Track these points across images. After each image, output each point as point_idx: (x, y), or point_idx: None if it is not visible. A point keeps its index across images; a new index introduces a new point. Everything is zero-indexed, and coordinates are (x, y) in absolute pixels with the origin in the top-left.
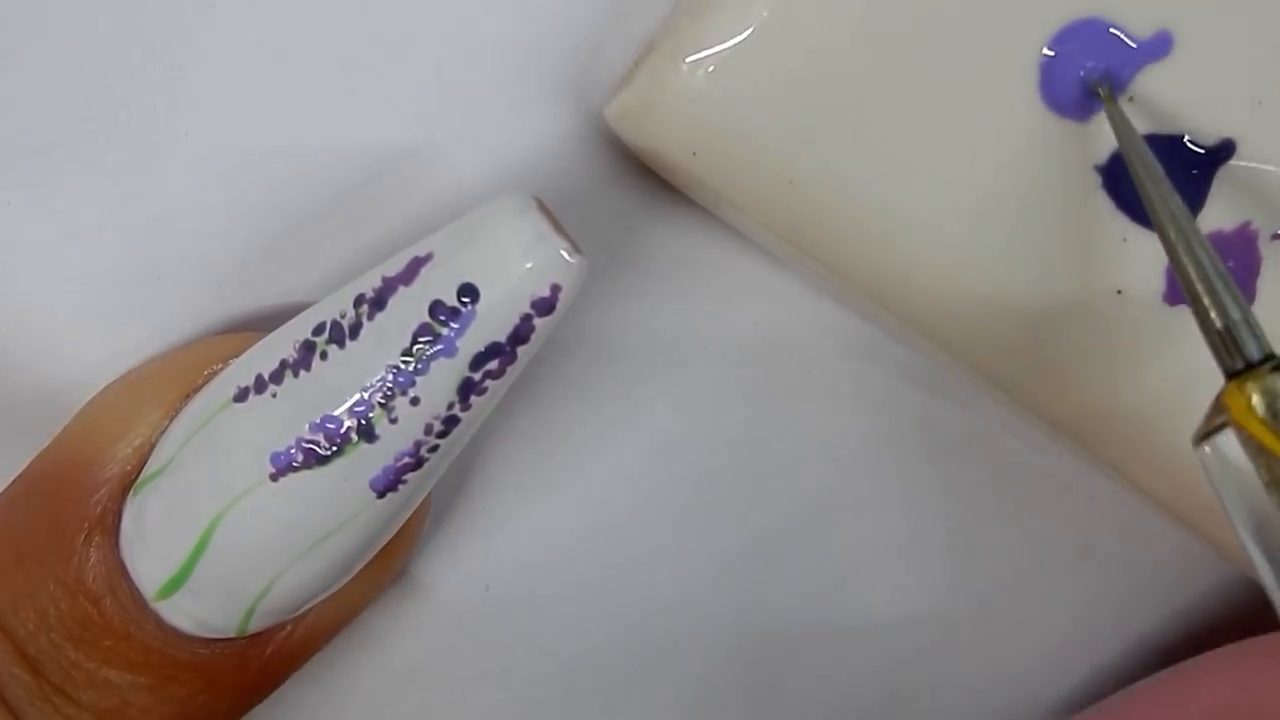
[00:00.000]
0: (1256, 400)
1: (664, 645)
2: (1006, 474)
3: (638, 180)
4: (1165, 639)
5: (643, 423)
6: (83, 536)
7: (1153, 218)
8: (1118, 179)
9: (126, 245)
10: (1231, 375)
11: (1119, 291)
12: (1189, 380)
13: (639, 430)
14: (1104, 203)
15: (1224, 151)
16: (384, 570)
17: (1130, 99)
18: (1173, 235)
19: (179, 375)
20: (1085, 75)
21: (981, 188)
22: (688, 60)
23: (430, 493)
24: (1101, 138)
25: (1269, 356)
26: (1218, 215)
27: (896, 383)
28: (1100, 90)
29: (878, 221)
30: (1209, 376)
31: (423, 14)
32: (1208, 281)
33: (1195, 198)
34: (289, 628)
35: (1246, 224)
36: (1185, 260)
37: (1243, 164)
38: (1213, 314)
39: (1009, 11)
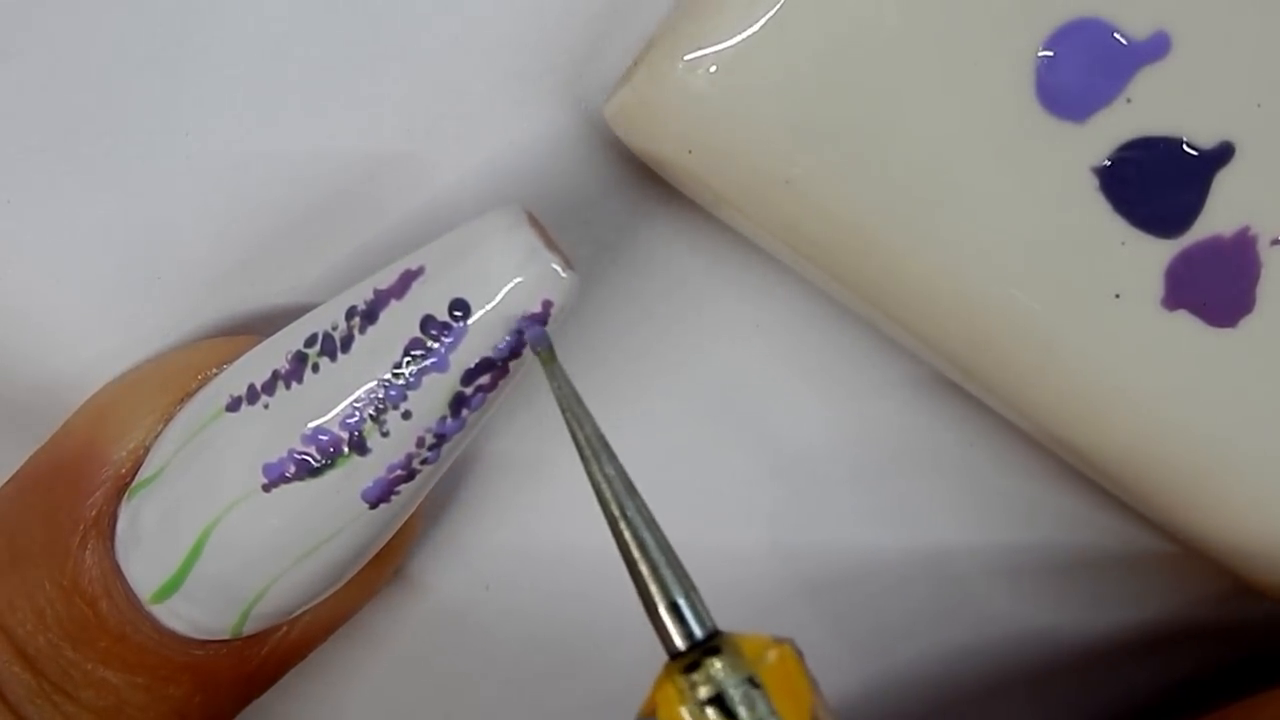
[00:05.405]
0: (701, 690)
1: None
2: (1004, 476)
3: (636, 180)
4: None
5: (641, 424)
6: (78, 539)
7: (595, 492)
8: (1115, 181)
9: (127, 245)
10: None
11: (1117, 295)
12: (1188, 383)
13: (637, 431)
14: (1102, 205)
15: (1223, 155)
16: (379, 572)
17: (1128, 100)
18: (615, 511)
19: (175, 378)
20: (528, 339)
21: (978, 189)
22: (687, 59)
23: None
24: (1099, 139)
25: (708, 640)
26: (1216, 220)
27: (894, 384)
28: (539, 352)
29: (874, 223)
30: (1208, 379)
31: (422, 14)
32: (651, 561)
33: (1193, 202)
34: (285, 629)
35: (1245, 229)
36: (629, 538)
37: (1242, 167)
38: (656, 593)
39: (1005, 12)
